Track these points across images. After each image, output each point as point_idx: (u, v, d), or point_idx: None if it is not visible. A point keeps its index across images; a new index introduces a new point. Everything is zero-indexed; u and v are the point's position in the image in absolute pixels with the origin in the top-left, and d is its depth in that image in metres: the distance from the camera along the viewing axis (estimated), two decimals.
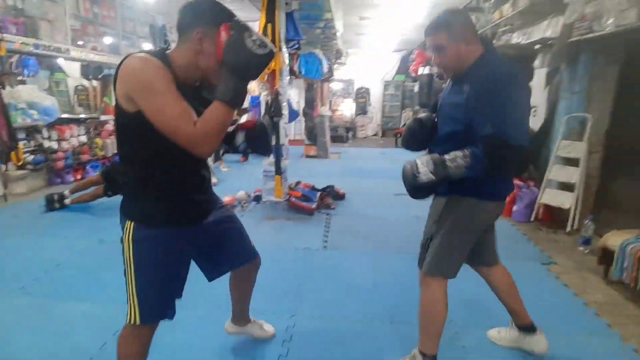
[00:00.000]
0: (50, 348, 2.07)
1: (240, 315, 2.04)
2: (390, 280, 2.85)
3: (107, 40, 6.73)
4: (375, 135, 12.86)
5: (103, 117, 6.71)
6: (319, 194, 4.59)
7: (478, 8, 5.92)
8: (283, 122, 4.10)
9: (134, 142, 1.32)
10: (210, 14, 1.29)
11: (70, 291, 2.67)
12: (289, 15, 4.25)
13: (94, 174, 5.76)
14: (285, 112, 4.10)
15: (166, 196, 1.38)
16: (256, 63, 1.23)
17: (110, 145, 6.56)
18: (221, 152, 6.88)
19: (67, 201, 4.39)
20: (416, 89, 11.85)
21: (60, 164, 5.55)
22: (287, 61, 4.15)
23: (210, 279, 1.70)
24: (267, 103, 4.05)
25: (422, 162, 1.54)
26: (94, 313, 2.40)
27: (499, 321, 2.17)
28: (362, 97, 12.03)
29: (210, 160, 5.88)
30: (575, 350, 2.09)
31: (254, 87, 11.61)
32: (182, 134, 1.21)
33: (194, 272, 1.60)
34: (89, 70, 7.35)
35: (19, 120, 5.02)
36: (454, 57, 1.61)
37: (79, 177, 5.92)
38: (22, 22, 5.28)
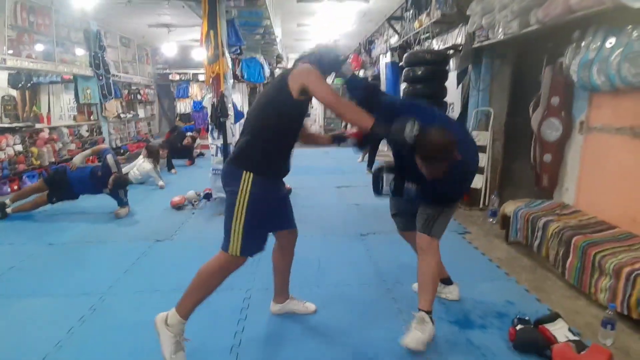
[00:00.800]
0: (9, 343, 2.14)
1: (281, 292, 2.35)
2: (335, 257, 3.25)
3: (40, 47, 6.52)
4: None
5: (38, 125, 6.48)
6: None
7: (402, 17, 6.60)
8: (230, 123, 4.37)
9: (276, 121, 1.88)
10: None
11: (27, 289, 2.75)
12: (230, 23, 4.54)
13: (32, 183, 5.60)
14: (231, 113, 4.37)
15: (274, 159, 1.93)
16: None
17: (46, 154, 6.35)
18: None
19: (8, 210, 4.29)
20: None
21: None
22: (230, 66, 4.42)
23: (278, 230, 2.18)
24: (213, 105, 4.29)
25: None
26: (53, 307, 2.50)
27: None
28: None
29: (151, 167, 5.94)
30: (481, 292, 2.62)
31: (196, 92, 11.62)
32: (332, 101, 1.80)
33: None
34: (19, 79, 7.03)
35: None
36: None
37: (15, 187, 5.70)
38: None
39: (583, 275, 2.55)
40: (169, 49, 10.28)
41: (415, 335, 1.99)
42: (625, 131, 2.78)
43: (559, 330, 2.04)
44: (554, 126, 3.37)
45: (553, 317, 2.12)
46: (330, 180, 6.11)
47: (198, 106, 11.53)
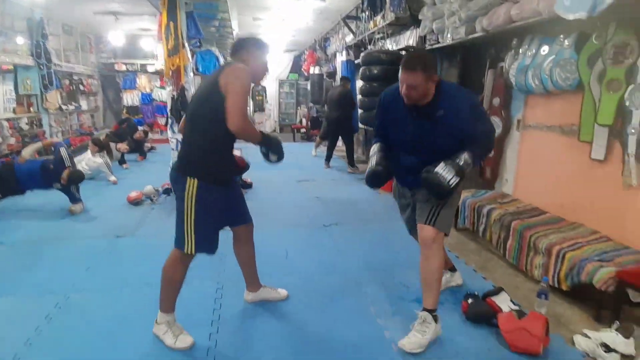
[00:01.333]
0: None
1: (252, 281, 2.47)
2: (302, 247, 3.40)
3: None
4: (273, 131, 13.39)
5: None
6: None
7: (357, 17, 6.84)
8: None
9: (213, 126, 1.88)
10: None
11: None
12: (190, 15, 4.49)
13: None
14: None
15: (219, 166, 2.00)
16: None
17: None
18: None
19: None
20: (309, 86, 12.70)
21: None
22: (190, 58, 4.39)
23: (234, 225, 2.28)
24: (173, 98, 4.24)
25: (445, 171, 1.93)
26: (16, 307, 2.44)
27: None
28: (259, 95, 12.42)
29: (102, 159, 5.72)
30: None
31: (144, 83, 11.16)
32: (234, 118, 1.83)
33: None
34: None
35: None
36: (424, 93, 1.95)
37: None
38: None
39: (520, 254, 2.90)
40: (115, 38, 9.77)
41: (414, 339, 2.02)
42: (555, 129, 3.19)
43: (503, 302, 2.35)
44: (495, 124, 3.74)
45: (497, 291, 2.42)
46: (290, 175, 6.22)
47: (147, 99, 11.10)
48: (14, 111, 7.30)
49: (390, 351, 2.06)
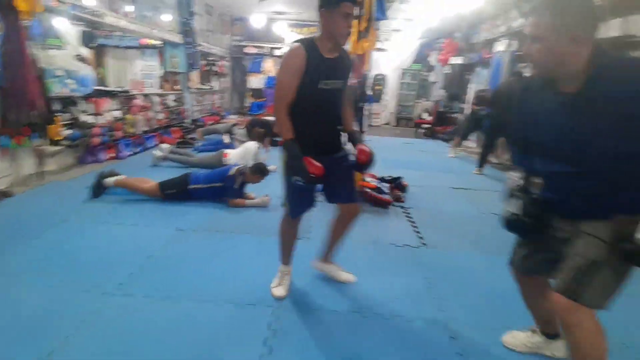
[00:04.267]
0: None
1: (326, 256, 2.50)
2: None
3: (133, 7, 6.22)
4: (387, 124, 12.68)
5: (134, 91, 6.22)
6: (388, 185, 4.38)
7: None
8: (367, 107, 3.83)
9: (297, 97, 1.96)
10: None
11: (172, 290, 2.38)
12: None
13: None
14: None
15: (300, 133, 1.96)
16: None
17: (141, 122, 6.11)
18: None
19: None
20: (431, 78, 11.71)
21: (97, 140, 5.10)
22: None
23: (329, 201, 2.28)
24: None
25: None
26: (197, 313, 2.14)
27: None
28: (378, 85, 11.76)
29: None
30: None
31: (270, 67, 11.18)
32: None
33: None
34: (92, 37, 6.60)
35: (55, 89, 4.55)
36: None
37: (111, 155, 5.48)
38: None
39: None
40: (256, 21, 9.81)
41: None
42: None
43: None
44: None
45: None
46: (438, 178, 5.53)
47: (271, 82, 11.14)
48: (162, 87, 7.59)
49: None
